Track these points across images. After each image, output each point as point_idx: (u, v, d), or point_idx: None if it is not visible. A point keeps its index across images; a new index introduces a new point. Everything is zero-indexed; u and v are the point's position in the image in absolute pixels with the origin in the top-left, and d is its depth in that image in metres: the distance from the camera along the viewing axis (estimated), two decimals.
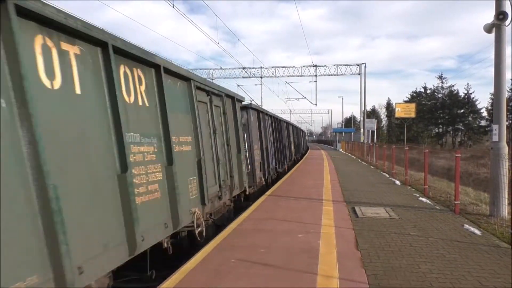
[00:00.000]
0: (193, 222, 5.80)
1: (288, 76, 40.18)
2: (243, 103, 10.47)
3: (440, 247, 5.77)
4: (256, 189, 11.06)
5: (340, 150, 49.67)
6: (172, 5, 14.36)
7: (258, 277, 4.54)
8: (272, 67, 40.27)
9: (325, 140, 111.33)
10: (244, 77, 40.86)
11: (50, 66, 3.17)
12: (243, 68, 40.09)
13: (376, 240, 6.18)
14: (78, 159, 3.42)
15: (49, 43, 3.19)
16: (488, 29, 8.30)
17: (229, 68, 41.27)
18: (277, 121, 17.94)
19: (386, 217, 7.93)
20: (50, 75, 3.16)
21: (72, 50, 3.48)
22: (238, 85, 41.72)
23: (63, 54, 3.34)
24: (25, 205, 2.79)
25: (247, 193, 10.00)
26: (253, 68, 40.41)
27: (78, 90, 3.49)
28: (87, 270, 3.30)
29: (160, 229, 4.80)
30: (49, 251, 2.93)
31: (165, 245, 5.15)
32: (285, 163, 19.64)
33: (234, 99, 9.14)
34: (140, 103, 4.61)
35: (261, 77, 40.64)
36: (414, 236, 6.43)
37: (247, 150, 10.53)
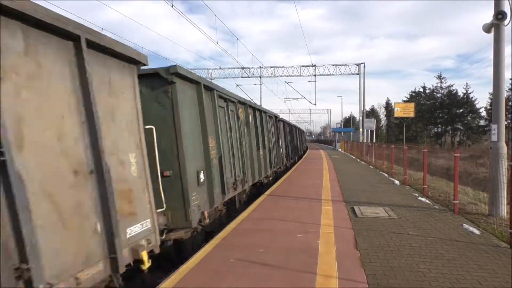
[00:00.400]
0: (277, 169, 16.30)
1: (287, 76, 40.11)
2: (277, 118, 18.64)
3: (439, 247, 5.78)
4: (283, 168, 18.94)
5: (339, 150, 49.65)
6: (171, 4, 14.34)
7: (257, 276, 4.54)
8: (271, 67, 40.22)
9: (324, 140, 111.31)
10: (243, 77, 40.78)
11: (253, 118, 11.83)
12: (242, 68, 40.05)
13: (375, 239, 6.18)
14: (261, 145, 12.52)
15: (247, 111, 10.99)
16: (487, 28, 8.30)
17: (228, 68, 41.23)
18: (291, 127, 26.51)
19: (385, 217, 7.93)
20: (250, 121, 11.21)
21: (256, 112, 12.37)
22: (237, 85, 41.64)
23: (249, 113, 11.16)
24: (259, 160, 12.05)
25: (281, 168, 18.27)
26: (252, 68, 40.35)
27: (258, 125, 12.55)
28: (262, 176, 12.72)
29: (268, 171, 13.72)
30: (258, 170, 11.90)
31: (270, 177, 14.21)
32: (295, 155, 28.28)
33: (276, 117, 17.95)
34: (265, 127, 13.76)
35: (260, 77, 40.58)
36: (413, 235, 6.43)
37: (280, 145, 18.12)
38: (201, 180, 6.57)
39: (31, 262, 2.73)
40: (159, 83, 5.78)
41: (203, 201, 6.60)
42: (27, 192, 2.80)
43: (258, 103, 34.43)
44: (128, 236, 4.09)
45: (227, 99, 8.88)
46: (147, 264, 4.29)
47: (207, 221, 6.66)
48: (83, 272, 3.36)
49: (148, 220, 4.57)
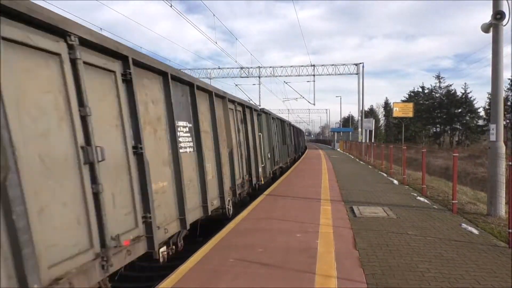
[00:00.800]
0: (289, 160, 23.29)
1: (286, 75, 40.09)
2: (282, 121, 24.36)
3: (438, 246, 5.78)
4: (292, 160, 25.14)
5: (338, 149, 49.67)
6: (170, 4, 14.34)
7: (256, 276, 4.54)
8: (270, 67, 40.20)
9: (323, 139, 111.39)
10: (242, 77, 40.71)
11: (280, 126, 19.76)
12: (241, 68, 40.03)
13: (374, 239, 6.19)
14: (284, 142, 20.45)
15: (279, 123, 19.22)
16: (485, 28, 8.31)
17: (227, 68, 41.20)
18: (295, 128, 33.49)
19: (384, 217, 7.94)
20: (280, 128, 19.37)
21: (282, 122, 20.92)
22: (236, 85, 41.64)
23: (279, 123, 19.33)
24: (284, 151, 20.83)
25: (292, 159, 24.97)
26: (251, 67, 40.33)
27: (282, 130, 20.58)
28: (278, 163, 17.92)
29: (287, 159, 21.80)
30: (284, 157, 20.24)
31: (288, 163, 21.76)
32: (299, 151, 35.52)
33: (290, 123, 26.90)
34: (285, 131, 21.82)
35: (259, 77, 40.54)
36: (412, 235, 6.44)
37: (292, 143, 25.92)
38: (269, 157, 14.04)
39: (256, 169, 11.39)
40: (255, 114, 12.23)
41: (270, 166, 14.24)
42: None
43: (257, 103, 35.44)
44: (259, 170, 11.81)
45: (274, 118, 17.11)
46: (263, 181, 12.25)
47: (271, 175, 14.54)
48: (264, 177, 12.64)
49: (261, 166, 12.20)
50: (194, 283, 4.39)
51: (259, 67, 40.09)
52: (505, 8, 7.99)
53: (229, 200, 8.20)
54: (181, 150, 5.67)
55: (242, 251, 5.56)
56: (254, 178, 11.17)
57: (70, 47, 3.43)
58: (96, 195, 3.57)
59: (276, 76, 40.24)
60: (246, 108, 10.91)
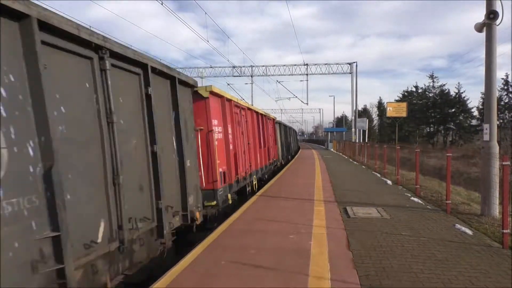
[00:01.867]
0: (290, 154, 31.74)
1: (279, 75, 40.03)
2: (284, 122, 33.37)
3: (431, 247, 5.75)
4: (290, 157, 30.11)
5: (332, 149, 49.72)
6: (161, 2, 14.23)
7: (249, 278, 4.47)
8: (263, 66, 40.13)
9: (316, 139, 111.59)
10: (234, 76, 40.52)
11: (284, 129, 27.16)
12: (234, 67, 39.91)
13: (368, 240, 6.14)
14: (287, 141, 30.15)
15: (284, 127, 28.21)
16: (479, 28, 8.31)
17: (219, 67, 41.03)
18: (291, 129, 36.62)
19: (378, 217, 7.90)
20: (286, 131, 29.76)
21: (285, 126, 30.27)
22: (228, 84, 41.52)
23: (283, 128, 27.92)
24: (291, 148, 33.81)
25: (292, 154, 32.59)
26: (243, 66, 40.27)
27: (285, 132, 28.87)
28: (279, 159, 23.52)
29: (291, 153, 32.25)
30: (289, 152, 31.37)
31: (282, 162, 23.57)
32: (296, 147, 41.59)
33: (290, 127, 37.04)
34: (288, 132, 32.15)
35: (251, 76, 40.43)
36: (405, 236, 6.40)
37: (292, 142, 34.67)
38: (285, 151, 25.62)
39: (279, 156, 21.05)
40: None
41: (285, 155, 25.12)
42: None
43: (250, 102, 36.49)
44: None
45: (286, 126, 27.69)
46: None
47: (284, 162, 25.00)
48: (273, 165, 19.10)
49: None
50: (186, 284, 4.32)
51: (252, 66, 40.06)
52: (498, 7, 7.99)
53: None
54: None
55: (234, 252, 5.49)
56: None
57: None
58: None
59: (269, 75, 40.24)
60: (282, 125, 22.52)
